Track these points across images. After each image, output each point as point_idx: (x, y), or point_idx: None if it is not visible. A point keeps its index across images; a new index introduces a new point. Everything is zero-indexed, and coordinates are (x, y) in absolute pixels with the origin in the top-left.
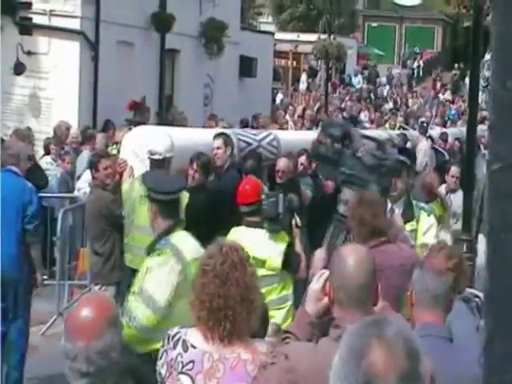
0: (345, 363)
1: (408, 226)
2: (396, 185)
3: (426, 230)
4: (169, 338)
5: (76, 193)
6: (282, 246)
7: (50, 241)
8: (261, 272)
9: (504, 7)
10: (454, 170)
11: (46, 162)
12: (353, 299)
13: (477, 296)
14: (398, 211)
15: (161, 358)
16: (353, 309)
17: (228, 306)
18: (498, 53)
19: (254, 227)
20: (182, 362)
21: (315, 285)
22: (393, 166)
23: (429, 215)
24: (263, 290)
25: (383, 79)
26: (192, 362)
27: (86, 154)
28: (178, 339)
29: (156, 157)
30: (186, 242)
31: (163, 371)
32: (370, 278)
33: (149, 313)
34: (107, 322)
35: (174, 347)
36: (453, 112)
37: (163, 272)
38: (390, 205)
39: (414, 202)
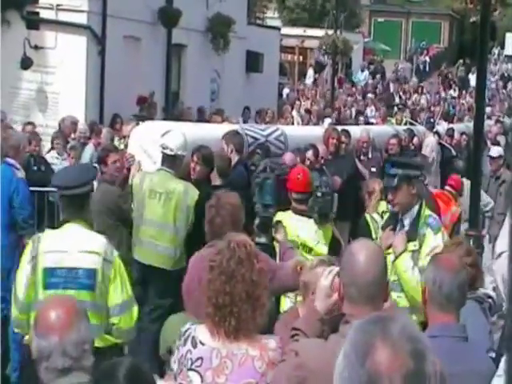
0: (349, 362)
1: (410, 246)
2: (401, 195)
3: (429, 251)
4: (180, 335)
5: None
6: (328, 236)
7: None
8: (308, 257)
9: None
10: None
11: (51, 157)
12: (364, 295)
13: (490, 297)
14: (407, 223)
15: (174, 354)
16: (363, 305)
17: (233, 302)
18: None
19: (301, 215)
20: (191, 359)
21: (324, 281)
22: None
23: (436, 233)
24: None
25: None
26: (201, 358)
27: (90, 149)
28: (188, 336)
29: (168, 151)
30: (52, 234)
31: (175, 367)
32: (382, 274)
33: (13, 307)
34: (76, 315)
35: (185, 344)
36: (451, 109)
37: (21, 263)
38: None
39: (425, 213)
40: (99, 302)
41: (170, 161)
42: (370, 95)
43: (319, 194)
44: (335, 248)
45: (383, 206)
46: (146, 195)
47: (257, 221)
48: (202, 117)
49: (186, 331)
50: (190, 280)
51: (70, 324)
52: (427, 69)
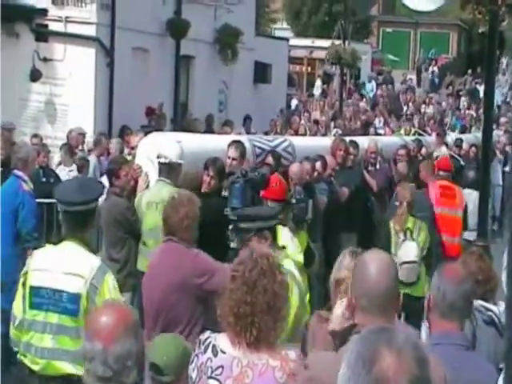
0: (354, 371)
1: None
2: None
3: None
4: (200, 343)
5: None
6: (303, 244)
7: None
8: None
9: None
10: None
11: (59, 170)
12: (376, 306)
13: (489, 309)
14: None
15: (192, 362)
16: (375, 316)
17: (255, 313)
18: None
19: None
20: (212, 367)
21: (337, 310)
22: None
23: None
24: None
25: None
26: (221, 367)
27: (92, 160)
28: (209, 344)
29: (162, 160)
30: (45, 251)
31: (194, 375)
32: (394, 285)
33: (11, 322)
34: (126, 329)
35: (205, 351)
36: (456, 121)
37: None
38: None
39: None
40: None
41: (167, 170)
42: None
43: (293, 201)
44: (309, 256)
45: (411, 221)
46: (144, 208)
47: (231, 226)
48: (209, 126)
49: (207, 339)
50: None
51: (116, 336)
52: (436, 80)
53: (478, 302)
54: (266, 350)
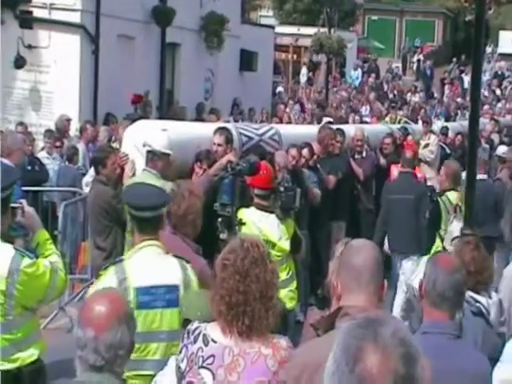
0: (338, 366)
1: None
2: None
3: None
4: (189, 333)
5: (84, 188)
6: (290, 231)
7: (51, 235)
8: (272, 253)
9: None
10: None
11: (41, 157)
12: (361, 282)
13: (477, 301)
14: None
15: (180, 352)
16: (361, 293)
17: (247, 301)
18: None
19: (264, 211)
20: (203, 357)
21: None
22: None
23: None
24: None
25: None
26: (213, 356)
27: (81, 147)
28: (199, 334)
29: (147, 148)
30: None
31: (183, 366)
32: (379, 268)
33: None
34: (119, 318)
35: (195, 341)
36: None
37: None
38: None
39: None
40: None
41: (153, 160)
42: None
43: (282, 189)
44: (296, 243)
45: (458, 197)
46: None
47: (220, 218)
48: (200, 115)
49: (196, 329)
50: None
51: (108, 324)
52: (428, 73)
53: (467, 293)
54: (257, 338)
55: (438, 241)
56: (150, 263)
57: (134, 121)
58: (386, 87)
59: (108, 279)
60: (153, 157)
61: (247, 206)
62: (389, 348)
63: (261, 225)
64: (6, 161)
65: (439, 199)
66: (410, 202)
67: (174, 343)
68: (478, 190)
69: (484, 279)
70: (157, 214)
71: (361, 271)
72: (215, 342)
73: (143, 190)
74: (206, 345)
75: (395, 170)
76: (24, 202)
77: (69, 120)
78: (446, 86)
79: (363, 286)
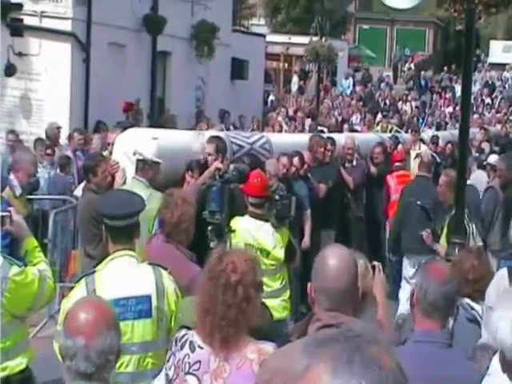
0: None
1: None
2: None
3: None
4: (176, 340)
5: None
6: (284, 240)
7: (42, 243)
8: (265, 262)
9: None
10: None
11: None
12: (334, 302)
13: (473, 308)
14: None
15: (168, 360)
16: (333, 312)
17: (229, 311)
18: None
19: (259, 219)
20: (189, 363)
21: None
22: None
23: None
24: (268, 280)
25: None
26: (199, 362)
27: (69, 155)
28: (186, 340)
29: (137, 156)
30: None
31: (170, 373)
32: (353, 281)
33: None
34: (107, 323)
35: (182, 348)
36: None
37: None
38: None
39: None
40: None
41: (143, 169)
42: (353, 102)
43: (277, 198)
44: (291, 252)
45: None
46: None
47: (209, 227)
48: (198, 122)
49: (183, 336)
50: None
51: (98, 330)
52: (423, 84)
53: (464, 300)
54: (242, 343)
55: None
56: (122, 274)
57: (124, 129)
58: (377, 95)
59: (78, 291)
60: (143, 165)
61: (242, 214)
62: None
63: (255, 233)
64: (14, 179)
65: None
66: (426, 205)
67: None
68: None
69: (481, 288)
70: (130, 222)
71: (332, 288)
72: (201, 348)
73: (116, 199)
74: (193, 351)
75: (391, 181)
76: (12, 210)
77: (59, 128)
78: (436, 95)
79: (334, 302)
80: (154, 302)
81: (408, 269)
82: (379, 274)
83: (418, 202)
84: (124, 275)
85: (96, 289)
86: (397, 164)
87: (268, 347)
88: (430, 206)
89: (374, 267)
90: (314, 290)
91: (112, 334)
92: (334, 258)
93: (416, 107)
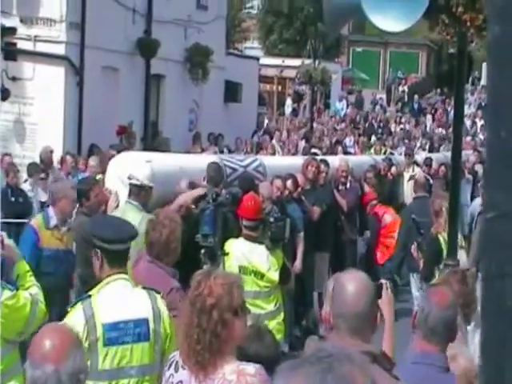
0: None
1: None
2: None
3: None
4: (168, 361)
5: None
6: (279, 262)
7: None
8: (260, 284)
9: (497, 61)
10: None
11: (25, 189)
12: (352, 327)
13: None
14: None
15: (161, 381)
16: (350, 336)
17: (203, 335)
18: (492, 104)
19: (253, 241)
20: (173, 382)
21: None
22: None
23: None
24: (262, 302)
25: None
26: (181, 382)
27: None
28: (173, 361)
29: (133, 181)
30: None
31: None
32: (369, 307)
33: None
34: (73, 344)
35: (169, 368)
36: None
37: None
38: None
39: None
40: None
41: (136, 192)
42: (342, 125)
43: (272, 220)
44: (285, 274)
45: None
46: None
47: (203, 250)
48: (196, 144)
49: (172, 357)
50: None
51: (65, 353)
52: (405, 99)
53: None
54: (221, 363)
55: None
56: (119, 298)
57: (118, 152)
58: (370, 118)
59: (75, 317)
60: (137, 190)
61: (235, 237)
62: None
63: (250, 256)
64: (51, 210)
65: (438, 234)
66: (427, 225)
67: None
68: None
69: (469, 311)
70: (127, 246)
71: (351, 313)
72: (184, 368)
73: (111, 223)
74: (176, 371)
75: (387, 216)
76: (4, 234)
77: (52, 151)
78: (429, 116)
79: (352, 327)
80: (151, 326)
81: (416, 286)
82: (386, 292)
83: (413, 216)
84: (121, 299)
85: (94, 313)
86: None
87: (249, 368)
88: (424, 221)
89: (381, 285)
90: (332, 315)
91: (79, 353)
92: (351, 282)
93: (403, 129)
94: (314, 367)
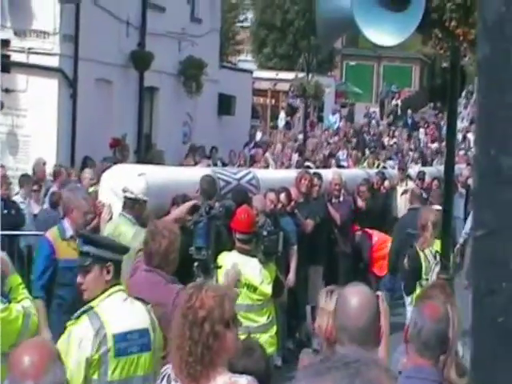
0: None
1: None
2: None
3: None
4: (160, 374)
5: None
6: (272, 275)
7: (28, 280)
8: (253, 297)
9: (487, 78)
10: None
11: (17, 201)
12: (356, 340)
13: None
14: None
15: None
16: (353, 350)
17: (195, 347)
18: (481, 122)
19: (246, 254)
20: None
21: None
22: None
23: None
24: (255, 315)
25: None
26: None
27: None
28: (165, 374)
29: (128, 194)
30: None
31: None
32: (374, 320)
33: None
34: (51, 358)
35: (161, 381)
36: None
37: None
38: None
39: None
40: None
41: (130, 205)
42: (336, 138)
43: (265, 233)
44: (278, 287)
45: (438, 244)
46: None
47: (196, 263)
48: (194, 156)
49: (165, 370)
50: None
51: (44, 369)
52: (399, 112)
53: None
54: (213, 374)
55: (418, 290)
56: (122, 308)
57: (113, 164)
58: (362, 131)
59: (83, 329)
60: (131, 203)
61: (229, 250)
62: None
63: (243, 269)
64: (66, 221)
65: (420, 251)
66: (411, 232)
67: None
68: None
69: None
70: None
71: (354, 327)
72: (177, 381)
73: (106, 237)
74: None
75: (375, 233)
76: None
77: (45, 164)
78: (422, 130)
79: (356, 340)
80: (151, 335)
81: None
82: (382, 304)
83: (408, 230)
84: (124, 309)
85: (104, 324)
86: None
87: (242, 380)
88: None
89: (377, 297)
90: (336, 328)
91: (58, 366)
92: (354, 296)
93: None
94: (340, 372)
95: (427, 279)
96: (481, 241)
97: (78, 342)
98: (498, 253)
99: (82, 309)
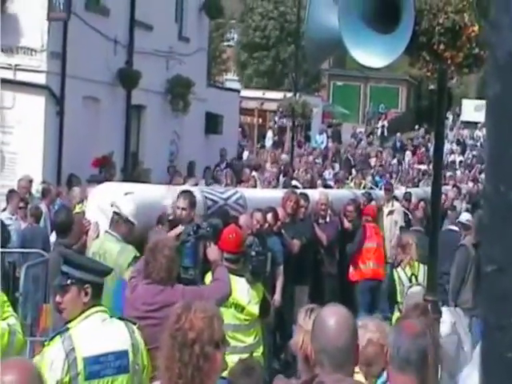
0: None
1: None
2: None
3: None
4: None
5: None
6: (259, 295)
7: (13, 297)
8: (240, 317)
9: (497, 117)
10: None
11: (3, 218)
12: (334, 361)
13: None
14: None
15: None
16: (333, 371)
17: (185, 369)
18: (491, 158)
19: (234, 274)
20: None
21: None
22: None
23: None
24: (242, 335)
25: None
26: None
27: (43, 209)
28: None
29: (114, 208)
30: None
31: None
32: (352, 340)
33: None
34: (34, 380)
35: None
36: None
37: None
38: None
39: None
40: None
41: (117, 224)
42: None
43: (253, 254)
44: (265, 307)
45: (415, 266)
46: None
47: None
48: (191, 174)
49: None
50: None
51: None
52: (385, 133)
53: None
54: None
55: (396, 314)
56: (98, 330)
57: (98, 182)
58: (347, 151)
59: (55, 351)
60: (118, 219)
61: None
62: None
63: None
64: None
65: (394, 271)
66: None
67: None
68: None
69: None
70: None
71: (332, 347)
72: None
73: (89, 259)
74: None
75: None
76: None
77: (31, 181)
78: (408, 153)
79: (334, 361)
80: (131, 357)
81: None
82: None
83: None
84: (101, 331)
85: (75, 347)
86: (368, 218)
87: None
88: None
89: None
90: (314, 350)
91: None
92: (332, 317)
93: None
94: None
95: (402, 303)
96: (491, 276)
97: (49, 363)
98: (507, 288)
99: (58, 330)
